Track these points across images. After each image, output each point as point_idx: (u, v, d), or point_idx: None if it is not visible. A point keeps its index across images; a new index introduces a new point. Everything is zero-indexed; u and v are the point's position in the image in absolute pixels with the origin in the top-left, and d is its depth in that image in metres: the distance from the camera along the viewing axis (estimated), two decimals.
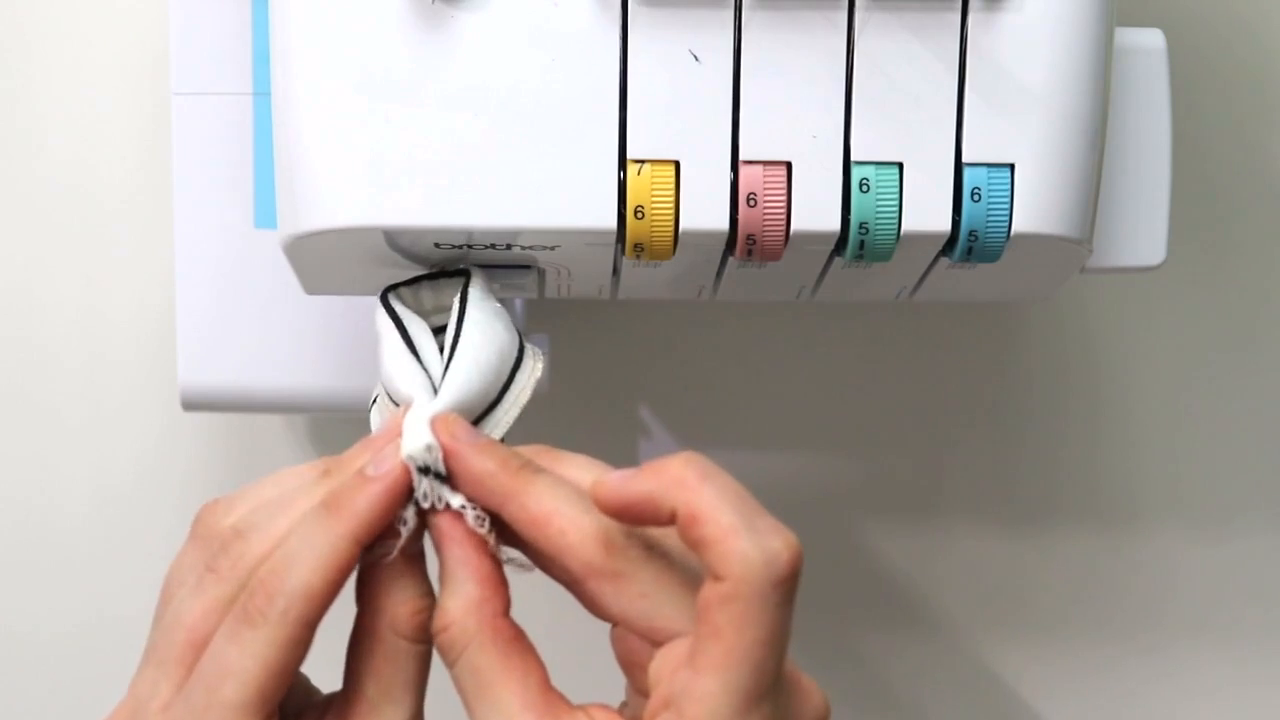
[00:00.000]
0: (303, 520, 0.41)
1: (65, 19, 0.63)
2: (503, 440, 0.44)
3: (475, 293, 0.46)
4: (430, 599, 0.42)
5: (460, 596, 0.41)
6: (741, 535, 0.38)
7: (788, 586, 0.38)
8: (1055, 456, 0.67)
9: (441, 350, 0.45)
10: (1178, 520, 0.68)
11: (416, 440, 0.42)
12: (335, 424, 0.66)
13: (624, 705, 0.43)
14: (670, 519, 0.39)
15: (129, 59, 0.63)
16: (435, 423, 0.43)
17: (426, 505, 0.42)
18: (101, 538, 0.66)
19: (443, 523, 0.42)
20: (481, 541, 0.42)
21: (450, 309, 0.46)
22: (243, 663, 0.40)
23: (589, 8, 0.44)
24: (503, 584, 0.42)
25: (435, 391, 0.44)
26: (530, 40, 0.44)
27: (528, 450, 0.43)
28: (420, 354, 0.45)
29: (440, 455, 0.42)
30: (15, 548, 0.66)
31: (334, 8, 0.44)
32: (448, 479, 0.42)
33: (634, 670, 0.42)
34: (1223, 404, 0.67)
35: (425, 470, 0.42)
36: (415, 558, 0.43)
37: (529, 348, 0.47)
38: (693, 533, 0.38)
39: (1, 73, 0.64)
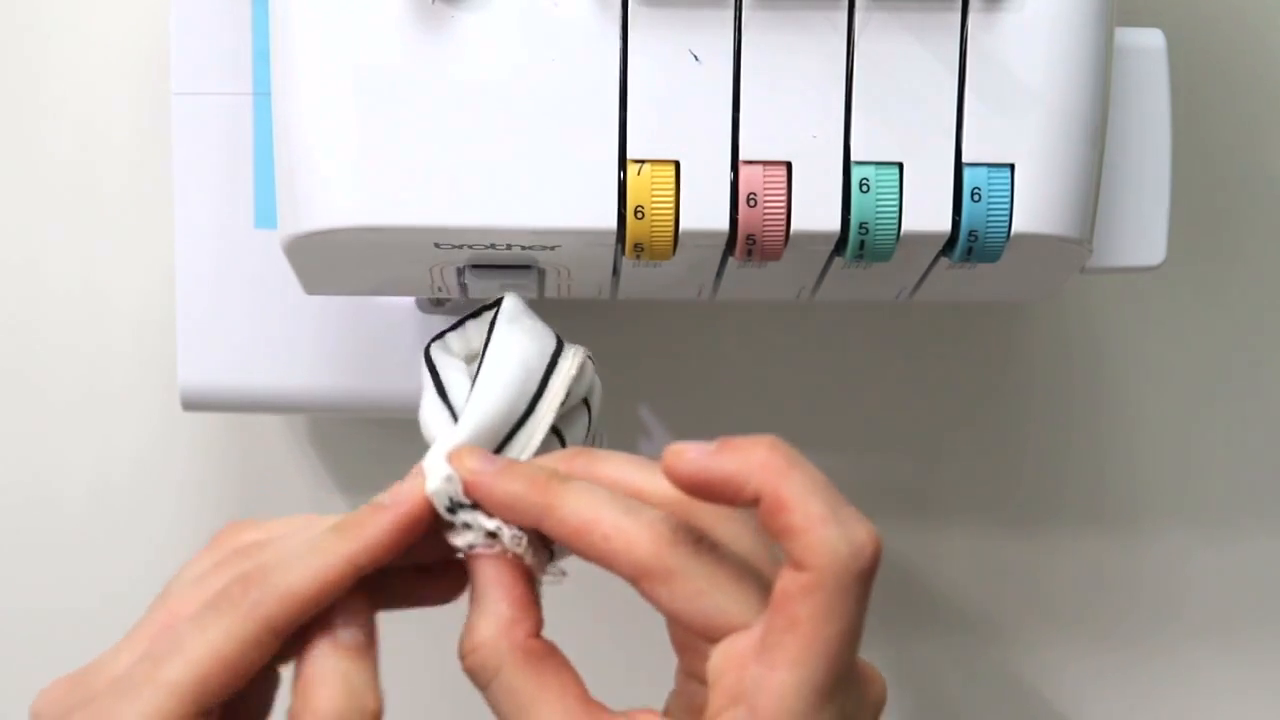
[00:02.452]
0: (310, 534, 0.41)
1: (66, 19, 0.63)
2: (551, 443, 0.44)
3: (504, 315, 0.46)
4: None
5: (491, 617, 0.41)
6: (830, 525, 0.37)
7: (869, 578, 0.38)
8: (1055, 457, 0.67)
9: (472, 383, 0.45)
10: (1182, 520, 0.68)
11: (436, 475, 0.42)
12: (335, 424, 0.66)
13: (673, 694, 0.42)
14: (751, 501, 0.38)
15: (129, 59, 0.63)
16: (452, 459, 0.42)
17: (466, 542, 0.42)
18: (101, 538, 0.66)
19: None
20: (513, 561, 0.41)
21: None
22: (194, 645, 0.39)
23: (589, 8, 0.44)
24: (535, 604, 0.41)
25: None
26: (530, 40, 0.44)
27: (562, 455, 0.43)
28: (449, 394, 0.45)
29: (460, 485, 0.42)
30: (15, 549, 0.66)
31: (334, 8, 0.44)
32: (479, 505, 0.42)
33: (689, 654, 0.41)
34: (1224, 404, 0.67)
35: (457, 506, 0.42)
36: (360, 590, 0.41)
37: (570, 349, 0.46)
38: (778, 520, 0.37)
39: (2, 73, 0.64)
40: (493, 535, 0.41)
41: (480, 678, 0.40)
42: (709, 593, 0.39)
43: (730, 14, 0.44)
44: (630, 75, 0.44)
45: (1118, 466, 0.67)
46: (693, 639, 0.40)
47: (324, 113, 0.44)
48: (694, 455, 0.38)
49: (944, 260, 0.47)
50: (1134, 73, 0.52)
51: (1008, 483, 0.67)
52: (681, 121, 0.44)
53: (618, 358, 0.65)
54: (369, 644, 0.41)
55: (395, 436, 0.66)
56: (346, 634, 0.40)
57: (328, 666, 0.40)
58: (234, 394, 0.58)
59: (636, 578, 0.39)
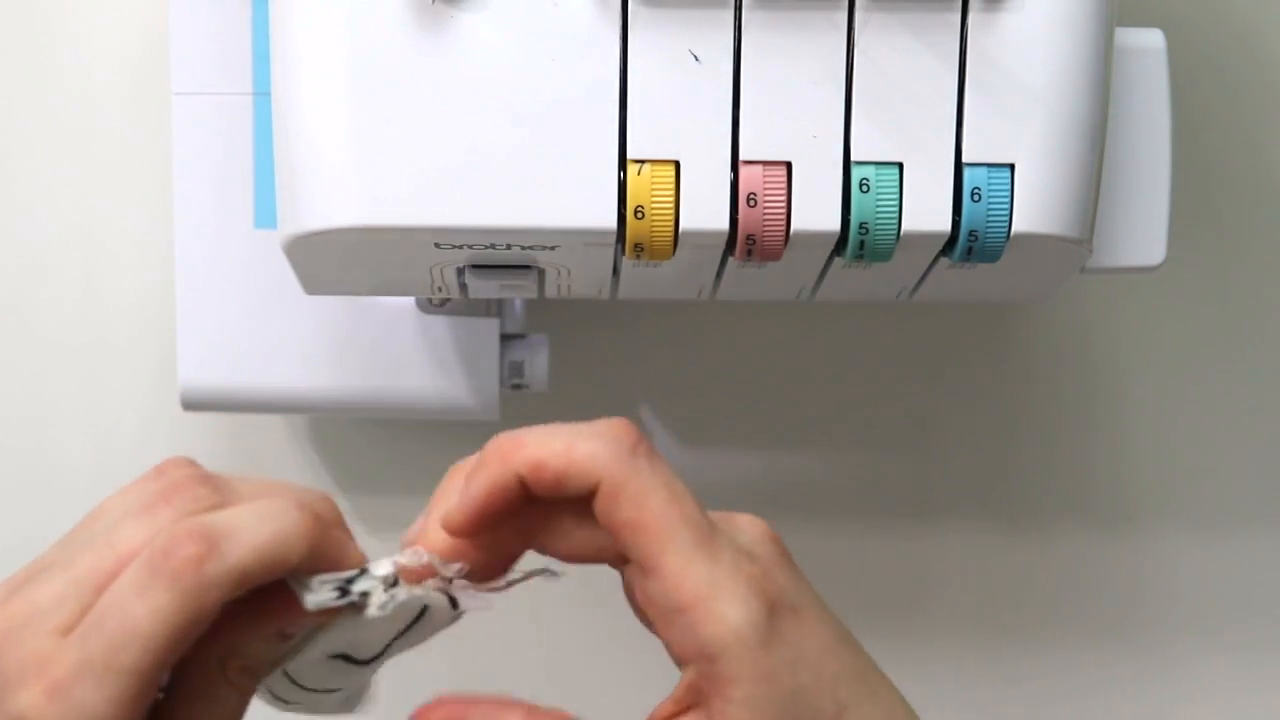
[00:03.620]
0: (283, 498, 0.39)
1: (65, 19, 0.63)
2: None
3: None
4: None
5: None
6: (579, 445, 0.38)
7: (643, 447, 0.38)
8: (1055, 456, 0.67)
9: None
10: (1175, 520, 0.68)
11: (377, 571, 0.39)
12: (335, 424, 0.66)
13: None
14: (519, 487, 0.39)
15: (129, 59, 0.63)
16: (425, 536, 0.40)
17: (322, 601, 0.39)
18: None
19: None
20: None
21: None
22: (150, 627, 0.36)
23: (589, 8, 0.44)
24: None
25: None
26: (530, 40, 0.44)
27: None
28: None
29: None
30: (14, 549, 0.66)
31: (334, 8, 0.44)
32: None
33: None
34: (1222, 404, 0.67)
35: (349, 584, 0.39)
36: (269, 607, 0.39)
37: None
38: (546, 480, 0.38)
39: (2, 73, 0.64)
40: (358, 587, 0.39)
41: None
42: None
43: (730, 14, 0.44)
44: (630, 75, 0.44)
45: (1117, 466, 0.67)
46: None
47: (324, 113, 0.44)
48: (453, 506, 0.39)
49: (944, 260, 0.47)
50: (1134, 73, 0.52)
51: (1007, 482, 0.67)
52: (681, 121, 0.44)
53: (618, 358, 0.65)
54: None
55: (395, 436, 0.66)
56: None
57: (263, 634, 0.39)
58: (234, 394, 0.58)
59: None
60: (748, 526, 0.41)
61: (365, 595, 0.38)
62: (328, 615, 0.39)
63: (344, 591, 0.38)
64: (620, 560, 0.40)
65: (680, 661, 0.39)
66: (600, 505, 0.38)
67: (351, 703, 0.43)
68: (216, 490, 0.39)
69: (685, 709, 0.38)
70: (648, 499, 0.38)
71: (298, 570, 0.38)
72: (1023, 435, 0.67)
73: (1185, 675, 0.68)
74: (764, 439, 0.66)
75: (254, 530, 0.37)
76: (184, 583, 0.36)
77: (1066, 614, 0.68)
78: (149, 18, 0.63)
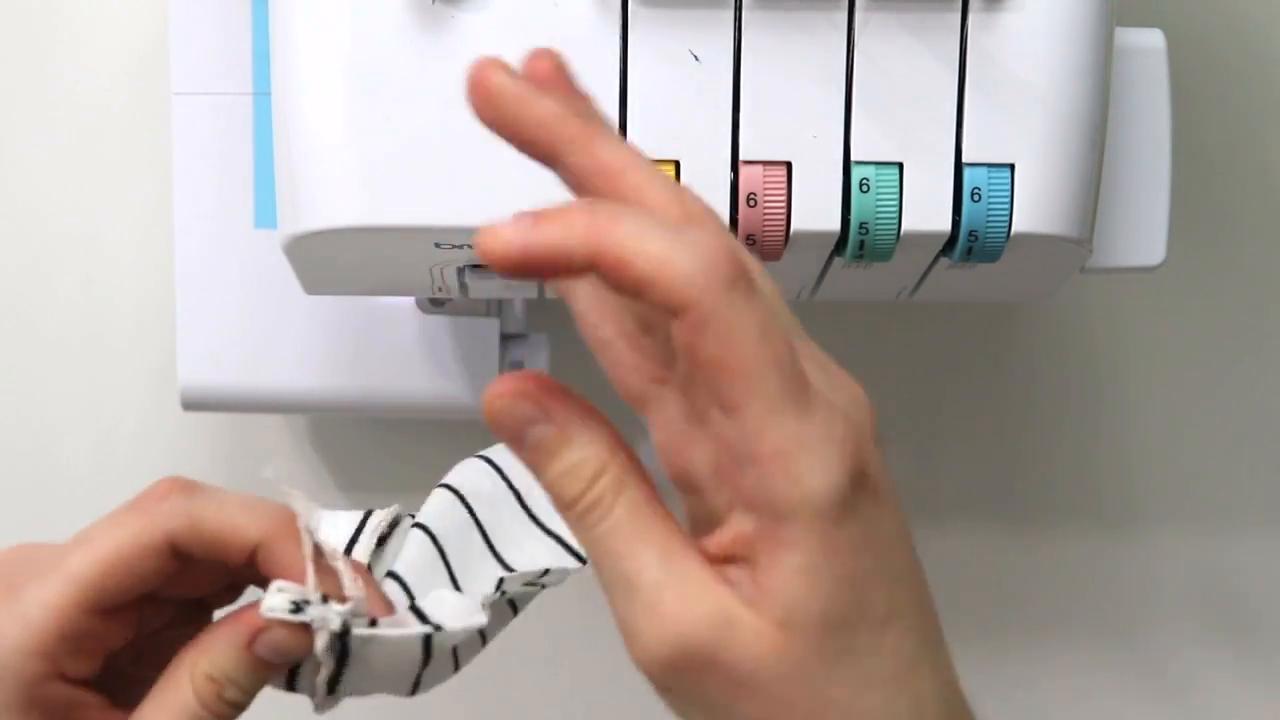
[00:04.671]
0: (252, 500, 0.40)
1: (65, 19, 0.63)
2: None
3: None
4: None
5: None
6: (678, 254, 0.33)
7: (742, 280, 0.33)
8: (1055, 456, 0.67)
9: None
10: (1175, 520, 0.68)
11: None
12: (335, 424, 0.66)
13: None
14: (587, 269, 0.33)
15: (129, 59, 0.63)
16: None
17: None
18: None
19: None
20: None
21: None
22: (101, 540, 0.39)
23: (589, 8, 0.44)
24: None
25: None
26: (530, 40, 0.44)
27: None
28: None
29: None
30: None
31: (334, 8, 0.44)
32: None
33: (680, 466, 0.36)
34: (1221, 404, 0.67)
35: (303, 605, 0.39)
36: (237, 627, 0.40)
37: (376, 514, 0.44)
38: (625, 278, 0.33)
39: (2, 73, 0.64)
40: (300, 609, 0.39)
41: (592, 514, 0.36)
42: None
43: (730, 14, 0.44)
44: (630, 75, 0.44)
45: (1117, 466, 0.67)
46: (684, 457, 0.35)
47: (324, 113, 0.44)
48: (510, 233, 0.33)
49: (944, 260, 0.47)
50: (1134, 73, 0.52)
51: (1006, 482, 0.67)
52: (681, 121, 0.44)
53: None
54: (264, 670, 0.40)
55: (395, 436, 0.66)
56: (264, 645, 0.39)
57: (226, 648, 0.39)
58: (234, 394, 0.58)
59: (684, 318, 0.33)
60: (847, 384, 0.37)
61: (317, 629, 0.38)
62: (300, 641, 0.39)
63: (298, 608, 0.38)
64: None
65: (732, 507, 0.34)
66: (682, 333, 0.33)
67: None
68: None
69: (731, 558, 0.34)
70: (737, 336, 0.33)
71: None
72: (1023, 435, 0.67)
73: (1187, 675, 0.68)
74: None
75: (226, 497, 0.39)
76: (146, 514, 0.39)
77: (1065, 614, 0.68)
78: (149, 18, 0.63)
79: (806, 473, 0.34)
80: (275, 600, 0.38)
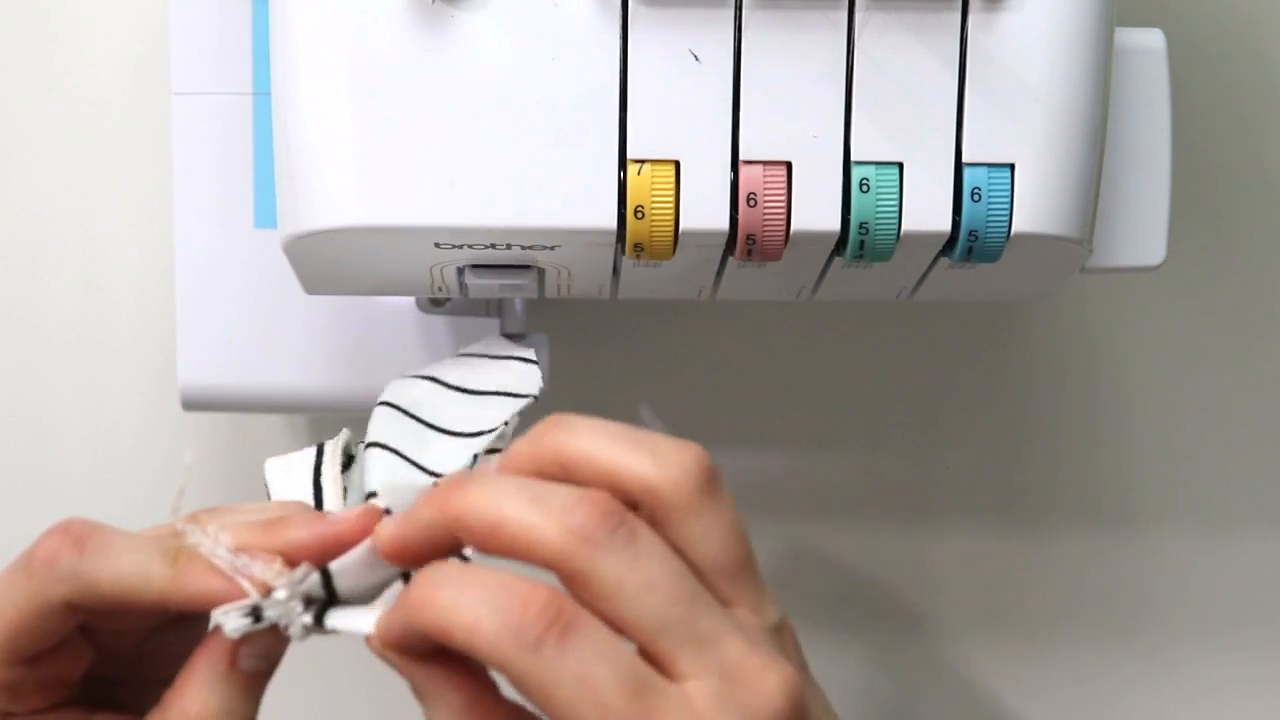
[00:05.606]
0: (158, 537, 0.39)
1: (65, 19, 0.63)
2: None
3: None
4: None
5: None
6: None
7: (553, 629, 0.34)
8: (1055, 457, 0.67)
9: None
10: (1176, 521, 0.68)
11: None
12: (335, 424, 0.66)
13: None
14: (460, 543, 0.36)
15: (129, 59, 0.63)
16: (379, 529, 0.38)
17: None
18: None
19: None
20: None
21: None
22: (3, 605, 0.38)
23: (589, 8, 0.44)
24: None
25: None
26: (530, 40, 0.44)
27: (538, 428, 0.38)
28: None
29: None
30: (14, 549, 0.66)
31: (334, 8, 0.44)
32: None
33: None
34: (1221, 404, 0.67)
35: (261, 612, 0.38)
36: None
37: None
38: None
39: (2, 72, 0.64)
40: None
41: None
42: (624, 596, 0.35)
43: (730, 14, 0.44)
44: (630, 75, 0.44)
45: (1117, 466, 0.67)
46: None
47: (324, 113, 0.44)
48: (390, 531, 0.36)
49: (944, 260, 0.47)
50: (1134, 73, 0.52)
51: (1006, 482, 0.67)
52: (681, 121, 0.44)
53: (618, 358, 0.65)
54: (263, 674, 0.39)
55: None
56: (247, 657, 0.39)
57: (208, 681, 0.38)
58: (234, 394, 0.58)
59: (560, 577, 0.35)
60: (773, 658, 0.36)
61: (285, 626, 0.38)
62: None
63: (256, 616, 0.38)
64: None
65: None
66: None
67: None
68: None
69: None
70: (555, 692, 0.34)
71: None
72: (1021, 436, 0.67)
73: (1189, 676, 0.68)
74: (764, 439, 0.66)
75: (121, 548, 0.38)
76: (39, 579, 0.38)
77: (1065, 615, 0.68)
78: (149, 18, 0.63)
79: None
80: (231, 622, 0.37)
